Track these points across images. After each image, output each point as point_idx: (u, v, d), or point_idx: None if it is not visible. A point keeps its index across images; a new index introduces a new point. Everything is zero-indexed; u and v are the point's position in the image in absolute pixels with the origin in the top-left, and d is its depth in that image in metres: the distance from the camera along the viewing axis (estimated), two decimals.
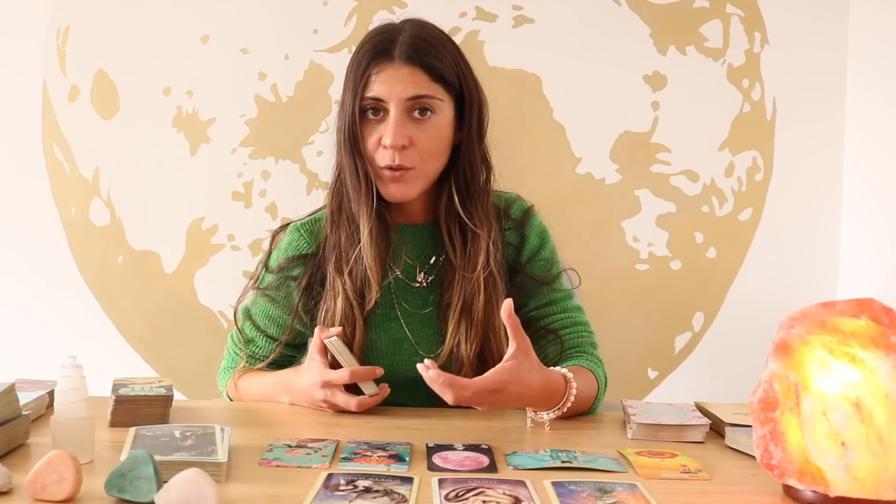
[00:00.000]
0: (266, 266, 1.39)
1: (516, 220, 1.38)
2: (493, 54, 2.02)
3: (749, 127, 2.04)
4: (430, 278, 1.35)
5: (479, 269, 1.29)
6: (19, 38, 2.06)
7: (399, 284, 1.34)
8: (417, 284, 1.35)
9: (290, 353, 1.40)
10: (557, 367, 1.19)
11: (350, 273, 1.29)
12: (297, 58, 2.03)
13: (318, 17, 2.02)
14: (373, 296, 1.28)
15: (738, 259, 2.06)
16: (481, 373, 1.11)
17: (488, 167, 1.35)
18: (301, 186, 2.04)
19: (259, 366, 1.38)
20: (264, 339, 1.39)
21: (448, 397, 1.06)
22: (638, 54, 2.02)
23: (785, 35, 2.02)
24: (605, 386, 1.30)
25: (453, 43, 1.33)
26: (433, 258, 1.35)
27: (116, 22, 2.04)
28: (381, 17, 1.97)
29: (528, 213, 1.40)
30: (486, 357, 1.29)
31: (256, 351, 1.39)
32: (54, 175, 2.08)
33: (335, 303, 1.30)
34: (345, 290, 1.29)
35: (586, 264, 2.00)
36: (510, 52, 2.02)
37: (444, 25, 1.97)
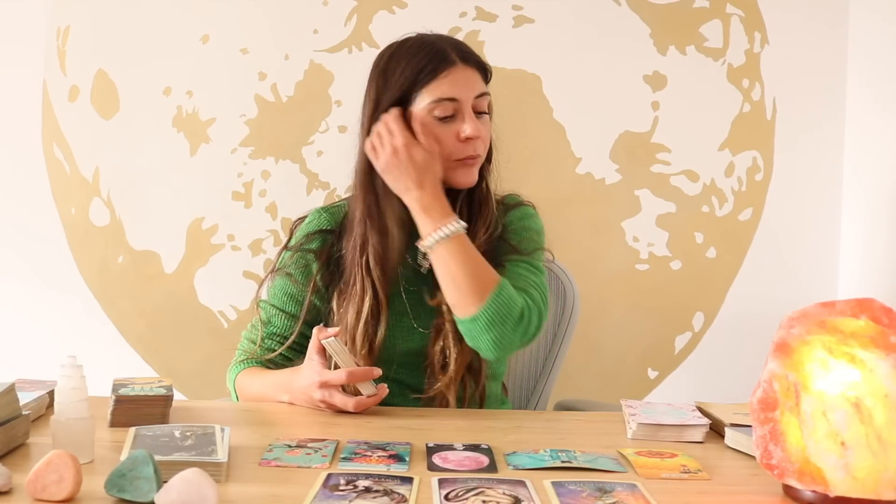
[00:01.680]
0: (286, 247, 1.45)
1: (507, 206, 1.48)
2: (493, 54, 2.02)
3: (749, 127, 2.04)
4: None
5: (479, 238, 1.36)
6: (19, 38, 2.06)
7: (406, 267, 1.41)
8: (422, 269, 1.41)
9: (306, 332, 1.40)
10: None
11: (383, 269, 1.35)
12: (297, 58, 2.03)
13: (318, 17, 2.02)
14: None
15: (738, 259, 2.06)
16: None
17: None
18: (301, 186, 2.04)
19: (278, 350, 1.41)
20: (282, 316, 1.42)
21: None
22: (638, 54, 2.02)
23: (785, 35, 2.02)
24: (524, 317, 1.28)
25: None
26: None
27: (116, 22, 2.04)
28: (381, 18, 1.99)
29: (520, 203, 1.51)
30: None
31: (274, 331, 1.42)
32: (54, 175, 2.08)
33: (363, 301, 1.34)
34: (374, 287, 1.34)
35: (586, 264, 2.00)
36: (510, 52, 2.02)
37: (445, 25, 1.99)
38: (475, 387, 1.37)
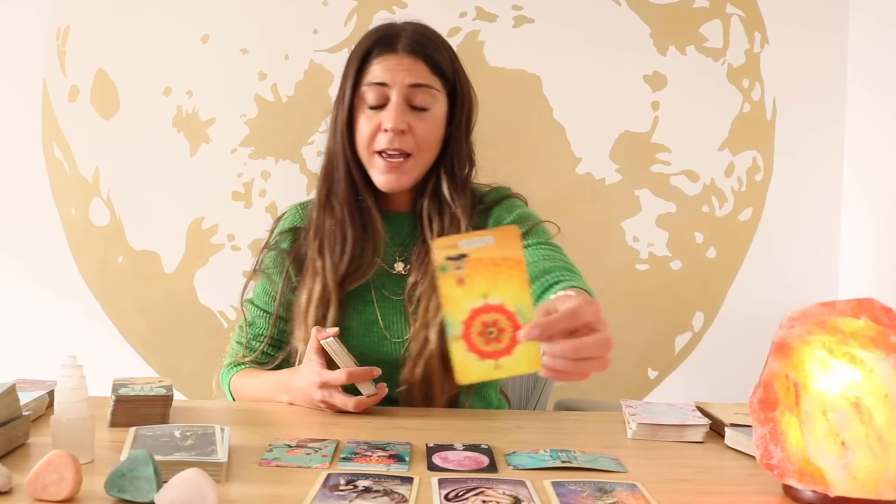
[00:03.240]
0: (266, 246, 1.45)
1: (488, 203, 1.40)
2: (493, 54, 2.02)
3: (749, 127, 2.04)
4: (408, 266, 1.38)
5: None
6: (19, 39, 2.06)
7: (378, 270, 1.37)
8: (395, 272, 1.38)
9: (287, 330, 1.41)
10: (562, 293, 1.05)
11: (333, 255, 1.33)
12: (297, 58, 2.03)
13: (318, 17, 2.02)
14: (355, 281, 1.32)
15: (738, 259, 2.06)
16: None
17: (472, 162, 1.40)
18: (301, 186, 2.04)
19: (260, 348, 1.40)
20: (265, 317, 1.42)
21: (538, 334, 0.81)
22: (638, 54, 2.02)
23: (785, 35, 2.02)
24: None
25: (449, 44, 1.39)
26: (411, 247, 1.39)
27: (116, 22, 2.04)
28: (381, 17, 1.99)
29: (503, 197, 1.41)
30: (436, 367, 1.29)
31: (258, 332, 1.42)
32: (54, 175, 2.08)
33: (314, 282, 1.33)
34: (324, 272, 1.32)
35: (586, 264, 1.99)
36: (510, 52, 2.02)
37: (444, 25, 1.99)
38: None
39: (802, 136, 2.04)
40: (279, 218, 1.49)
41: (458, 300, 0.80)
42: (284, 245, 1.42)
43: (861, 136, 1.99)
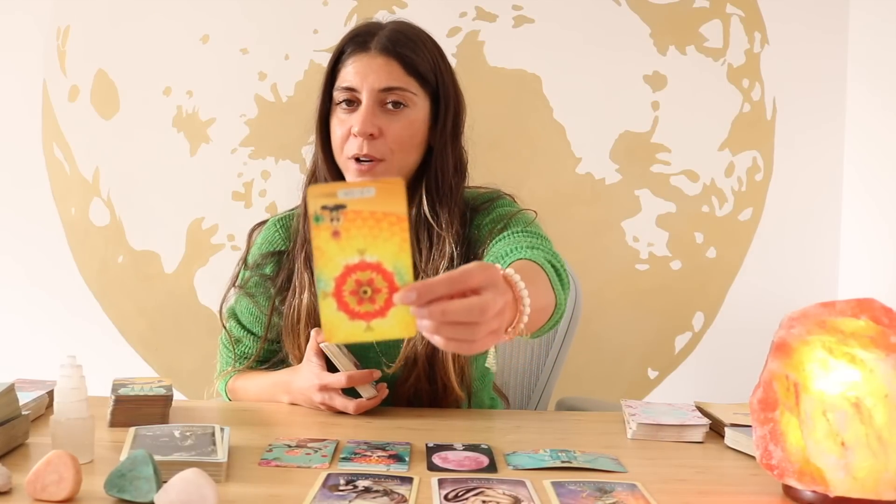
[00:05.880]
0: (245, 262, 1.41)
1: (473, 208, 1.32)
2: (493, 54, 2.02)
3: (749, 127, 2.04)
4: None
5: (440, 272, 1.24)
6: (19, 38, 2.06)
7: None
8: None
9: (274, 349, 1.40)
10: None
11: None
12: (297, 58, 2.03)
13: (318, 17, 2.02)
14: None
15: (738, 259, 2.06)
16: (434, 371, 1.22)
17: (461, 172, 1.32)
18: (301, 186, 2.03)
19: (248, 363, 1.39)
20: (251, 337, 1.40)
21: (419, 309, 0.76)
22: (638, 54, 2.02)
23: (785, 35, 2.02)
24: (565, 284, 1.11)
25: (435, 43, 1.31)
26: None
27: (116, 22, 2.04)
28: (381, 18, 1.99)
29: (488, 200, 1.33)
30: (435, 361, 1.27)
31: (245, 350, 1.41)
32: (54, 175, 2.08)
33: (301, 297, 1.30)
34: (311, 285, 1.29)
35: (586, 264, 2.00)
36: (510, 52, 2.02)
37: (444, 25, 1.99)
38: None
39: (802, 135, 2.04)
40: (257, 226, 1.45)
41: (331, 254, 0.74)
42: (268, 270, 1.38)
43: (861, 136, 1.99)
